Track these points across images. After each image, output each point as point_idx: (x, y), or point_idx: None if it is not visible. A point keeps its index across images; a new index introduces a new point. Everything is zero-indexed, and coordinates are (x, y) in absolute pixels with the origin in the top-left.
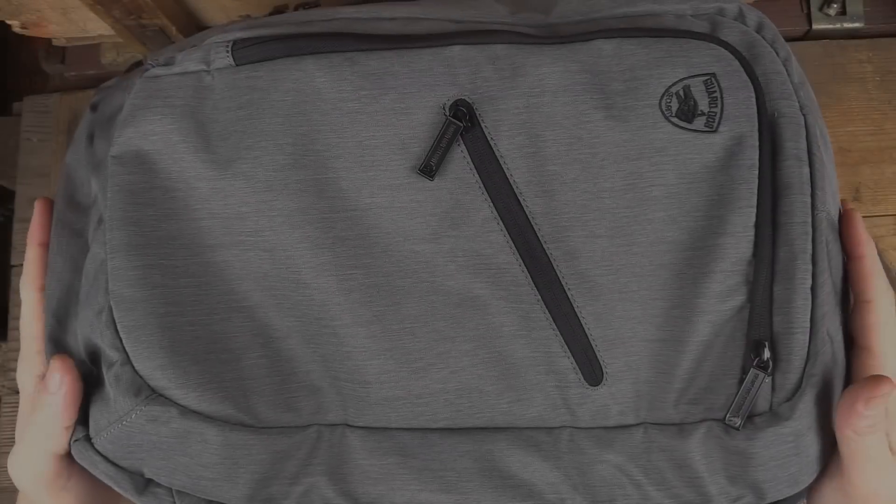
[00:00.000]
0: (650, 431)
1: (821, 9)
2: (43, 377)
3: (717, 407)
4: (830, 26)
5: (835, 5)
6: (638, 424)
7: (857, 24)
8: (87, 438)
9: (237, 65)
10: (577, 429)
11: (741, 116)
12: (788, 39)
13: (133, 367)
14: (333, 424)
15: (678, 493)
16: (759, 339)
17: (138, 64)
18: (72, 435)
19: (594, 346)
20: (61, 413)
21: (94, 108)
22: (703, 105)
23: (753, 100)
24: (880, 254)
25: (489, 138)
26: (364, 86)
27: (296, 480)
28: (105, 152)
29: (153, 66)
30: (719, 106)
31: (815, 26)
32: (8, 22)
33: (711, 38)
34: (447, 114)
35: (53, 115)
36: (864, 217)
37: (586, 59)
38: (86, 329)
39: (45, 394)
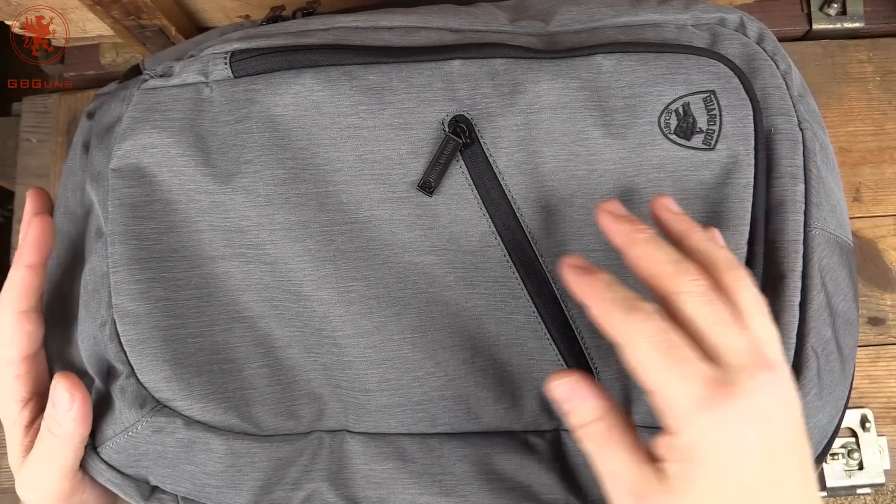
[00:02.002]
0: (639, 433)
1: (821, 8)
2: (27, 402)
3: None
4: (831, 26)
5: (835, 5)
6: None
7: (857, 24)
8: (93, 447)
9: (235, 77)
10: (570, 432)
11: (739, 135)
12: (789, 39)
13: (138, 379)
14: (334, 431)
15: None
16: None
17: (135, 70)
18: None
19: (588, 355)
20: (77, 429)
21: (90, 115)
22: (702, 123)
23: (751, 118)
24: (880, 254)
25: (488, 154)
26: (363, 101)
27: (298, 486)
28: (103, 163)
29: (151, 78)
30: (718, 124)
31: (816, 26)
32: (8, 22)
33: (712, 53)
34: (446, 130)
35: (53, 115)
36: (864, 217)
37: (586, 76)
38: (89, 341)
39: (56, 413)
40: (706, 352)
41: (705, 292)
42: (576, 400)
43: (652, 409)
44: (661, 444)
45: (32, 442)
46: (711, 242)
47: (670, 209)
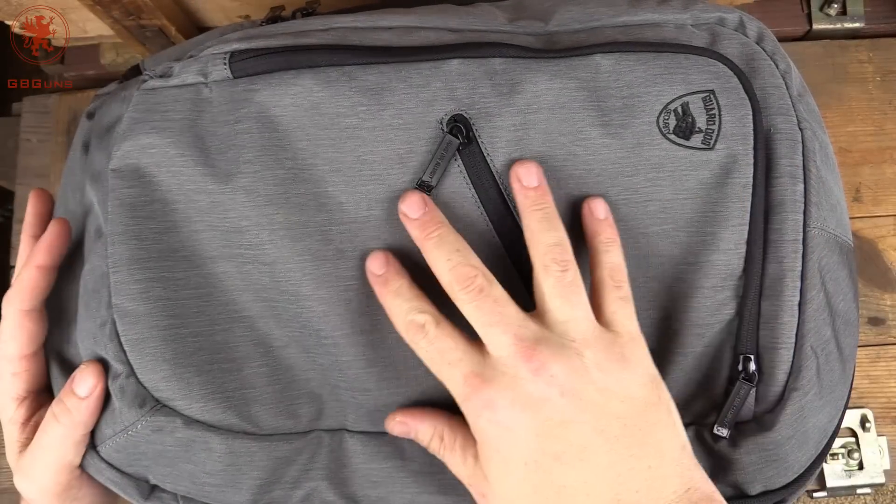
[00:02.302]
0: None
1: (821, 9)
2: (22, 399)
3: (703, 412)
4: (831, 26)
5: (835, 5)
6: None
7: (857, 24)
8: (92, 446)
9: (235, 77)
10: None
11: (738, 134)
12: (789, 39)
13: (137, 379)
14: (333, 430)
15: None
16: (745, 352)
17: (135, 70)
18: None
19: None
20: (84, 420)
21: (90, 115)
22: (701, 122)
23: (750, 118)
24: (880, 254)
25: (486, 154)
26: (362, 101)
27: (297, 485)
28: (102, 164)
29: (150, 78)
30: (717, 123)
31: (816, 26)
32: (8, 22)
33: (711, 52)
34: (444, 129)
35: (53, 115)
36: (864, 217)
37: (584, 76)
38: (88, 340)
39: (70, 399)
40: (482, 347)
41: (474, 297)
42: (411, 432)
43: None
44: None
45: (29, 438)
46: (543, 223)
47: (523, 183)
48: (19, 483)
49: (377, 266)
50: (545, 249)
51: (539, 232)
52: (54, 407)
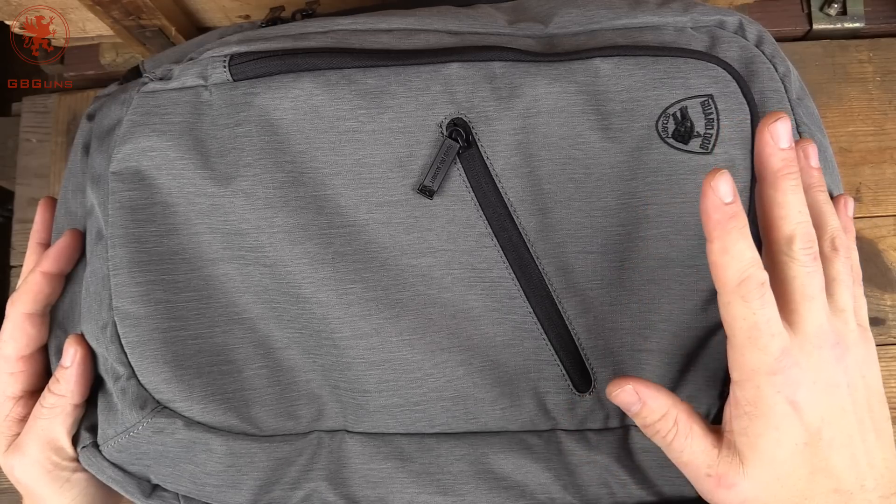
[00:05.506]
0: (635, 434)
1: (821, 9)
2: (18, 399)
3: (706, 412)
4: (831, 26)
5: (835, 5)
6: (624, 427)
7: (857, 24)
8: (95, 445)
9: (234, 80)
10: (567, 431)
11: (736, 139)
12: (789, 39)
13: (138, 380)
14: (333, 430)
15: (660, 490)
16: None
17: (135, 71)
18: (81, 417)
19: (584, 356)
20: (72, 388)
21: (90, 117)
22: (700, 127)
23: (749, 122)
24: (880, 254)
25: (485, 157)
26: (362, 105)
27: (297, 485)
28: (103, 166)
29: (150, 81)
30: (715, 128)
31: (816, 26)
32: (7, 22)
33: (710, 57)
34: (444, 133)
35: (53, 115)
36: (864, 217)
37: (584, 80)
38: (91, 342)
39: (59, 370)
40: (788, 315)
41: (810, 263)
42: (636, 405)
43: (729, 361)
44: (727, 414)
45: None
46: (827, 206)
47: (808, 159)
48: (11, 459)
49: (728, 192)
50: (834, 243)
51: (832, 227)
52: (51, 380)
